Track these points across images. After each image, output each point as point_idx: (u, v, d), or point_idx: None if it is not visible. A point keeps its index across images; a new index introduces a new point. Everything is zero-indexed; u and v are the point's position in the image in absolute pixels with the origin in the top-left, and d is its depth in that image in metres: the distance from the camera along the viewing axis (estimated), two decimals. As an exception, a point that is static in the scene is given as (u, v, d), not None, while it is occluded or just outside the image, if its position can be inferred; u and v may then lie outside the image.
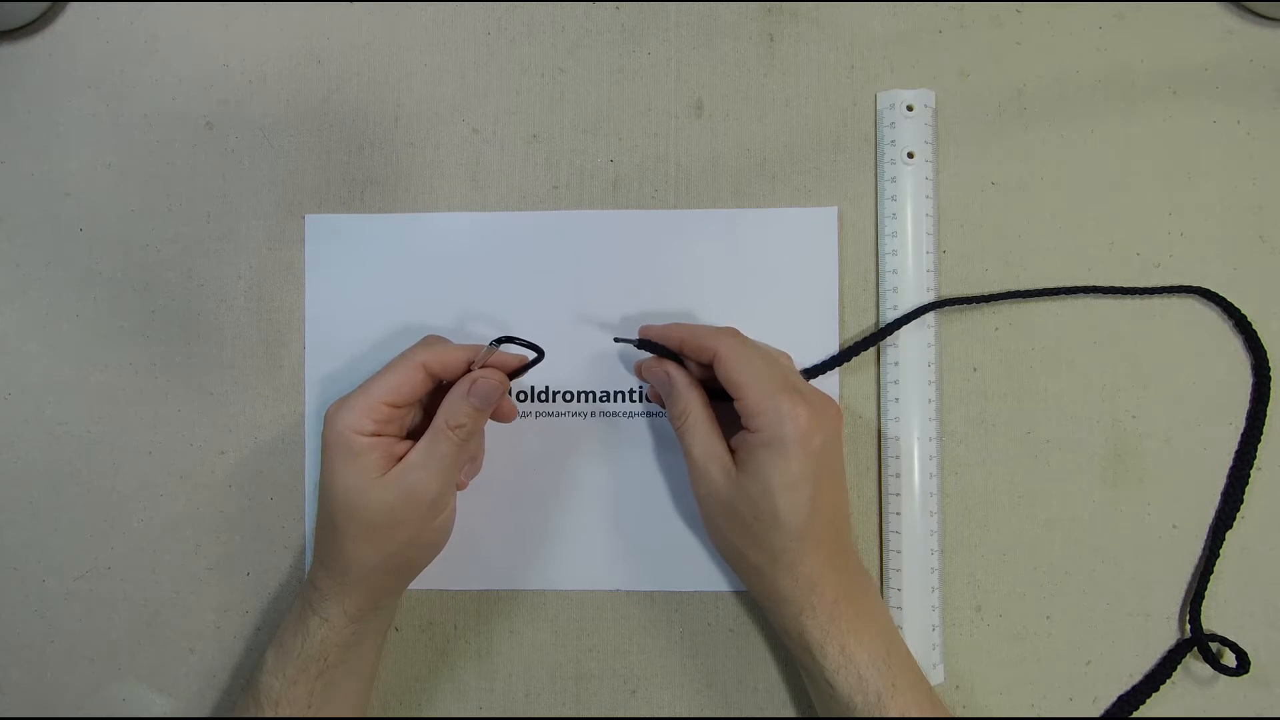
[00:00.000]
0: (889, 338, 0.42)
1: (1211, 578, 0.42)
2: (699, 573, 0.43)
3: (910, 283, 0.42)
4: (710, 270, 0.43)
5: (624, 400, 0.43)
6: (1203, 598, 0.42)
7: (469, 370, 0.38)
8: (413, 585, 0.41)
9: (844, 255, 0.43)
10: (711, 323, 0.42)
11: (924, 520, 0.42)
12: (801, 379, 0.39)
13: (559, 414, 0.43)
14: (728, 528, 0.38)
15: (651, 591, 0.43)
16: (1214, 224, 0.43)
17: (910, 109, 0.43)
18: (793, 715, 0.42)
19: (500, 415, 0.41)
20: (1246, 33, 0.44)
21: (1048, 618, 0.43)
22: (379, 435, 0.37)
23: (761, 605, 0.39)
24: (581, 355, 0.43)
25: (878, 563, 0.43)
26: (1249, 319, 0.43)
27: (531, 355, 0.38)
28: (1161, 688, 0.42)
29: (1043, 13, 0.44)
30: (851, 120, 0.44)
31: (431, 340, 0.39)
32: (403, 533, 0.37)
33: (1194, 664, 0.43)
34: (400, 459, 0.37)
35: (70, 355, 0.43)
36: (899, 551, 0.42)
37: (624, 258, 0.43)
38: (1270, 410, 0.43)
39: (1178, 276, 0.43)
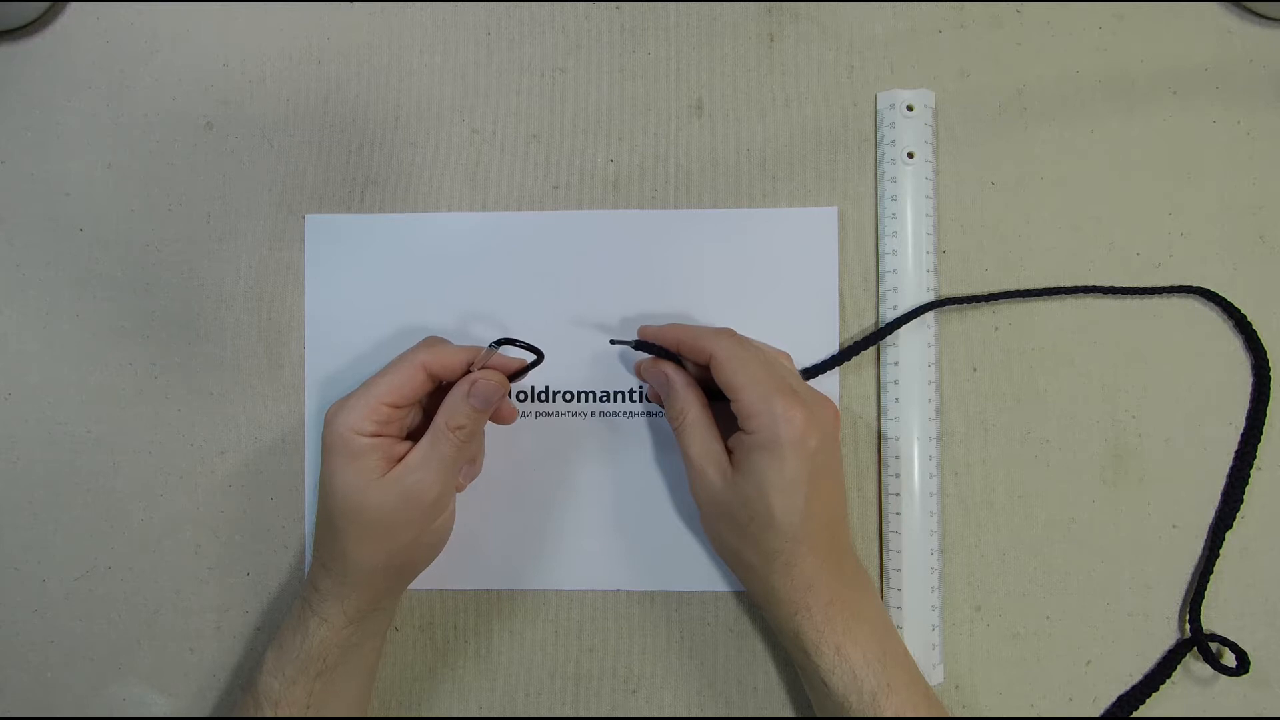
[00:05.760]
0: (889, 337, 0.42)
1: (1211, 578, 0.42)
2: (699, 573, 0.43)
3: (910, 283, 0.42)
4: (710, 270, 0.43)
5: (624, 400, 0.43)
6: (1203, 598, 0.42)
7: (469, 372, 0.38)
8: (413, 585, 0.41)
9: (844, 255, 0.43)
10: (712, 323, 0.42)
11: (924, 520, 0.42)
12: (799, 380, 0.39)
13: (559, 414, 0.43)
14: (724, 528, 0.38)
15: (651, 591, 0.43)
16: (1214, 224, 0.43)
17: (910, 109, 0.43)
18: (792, 715, 0.42)
19: (500, 417, 0.41)
20: (1246, 33, 0.44)
21: (1047, 618, 0.43)
22: (379, 436, 0.37)
23: (758, 604, 0.39)
24: (581, 355, 0.43)
25: (878, 563, 0.43)
26: (1249, 319, 0.43)
27: (531, 358, 0.38)
28: (1161, 688, 0.42)
29: (1043, 13, 0.44)
30: (851, 120, 0.44)
31: (432, 341, 0.39)
32: (403, 534, 0.37)
33: (1194, 664, 0.43)
34: (400, 460, 0.37)
35: (70, 355, 0.43)
36: (899, 551, 0.42)
37: (624, 258, 0.43)
38: (1270, 410, 0.43)
39: (1178, 276, 0.43)
